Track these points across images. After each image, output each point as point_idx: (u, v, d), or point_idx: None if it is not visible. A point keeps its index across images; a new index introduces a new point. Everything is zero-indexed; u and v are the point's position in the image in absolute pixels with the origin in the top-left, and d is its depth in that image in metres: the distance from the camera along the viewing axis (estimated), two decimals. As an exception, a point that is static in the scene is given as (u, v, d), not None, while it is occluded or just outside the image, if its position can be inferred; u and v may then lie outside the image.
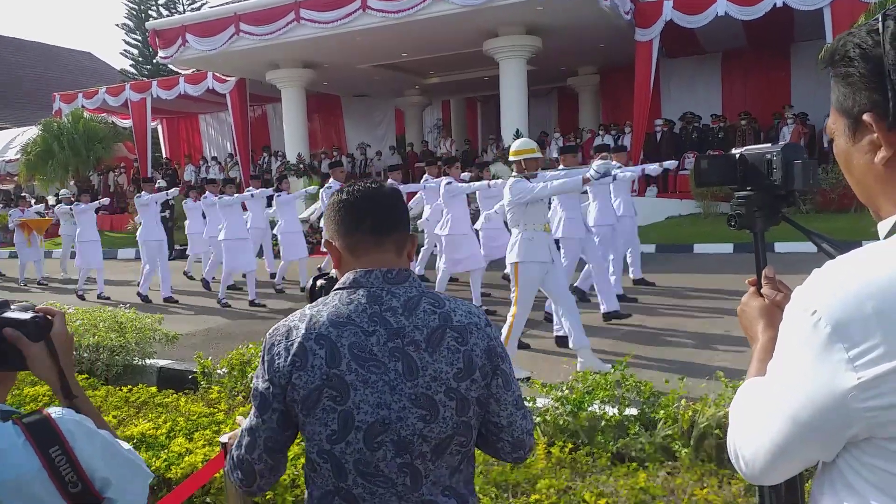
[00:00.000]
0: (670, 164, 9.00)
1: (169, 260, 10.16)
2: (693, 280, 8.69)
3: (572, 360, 5.24)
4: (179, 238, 13.52)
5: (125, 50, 33.52)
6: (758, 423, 0.92)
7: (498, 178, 9.47)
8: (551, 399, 3.42)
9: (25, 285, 12.25)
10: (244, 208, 9.86)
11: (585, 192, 7.20)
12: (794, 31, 15.04)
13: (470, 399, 1.37)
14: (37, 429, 1.06)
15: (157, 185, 11.65)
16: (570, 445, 3.16)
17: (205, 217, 10.63)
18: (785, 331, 0.89)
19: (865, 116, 0.89)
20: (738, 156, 1.33)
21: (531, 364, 5.34)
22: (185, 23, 16.18)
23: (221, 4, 16.25)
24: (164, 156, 24.26)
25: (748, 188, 1.32)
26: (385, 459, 1.32)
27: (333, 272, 1.53)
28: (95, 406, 3.72)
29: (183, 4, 32.49)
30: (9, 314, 1.19)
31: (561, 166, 6.82)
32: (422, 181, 9.20)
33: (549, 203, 6.10)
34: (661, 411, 3.21)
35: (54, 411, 1.10)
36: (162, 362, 5.48)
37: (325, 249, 1.51)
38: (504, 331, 5.07)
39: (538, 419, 3.33)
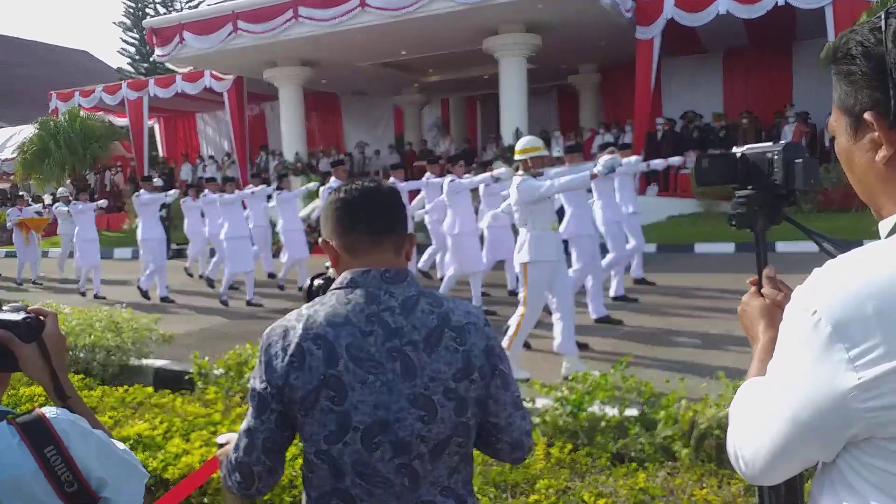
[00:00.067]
0: (676, 160, 8.99)
1: (167, 259, 10.16)
2: (694, 280, 8.70)
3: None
4: (176, 237, 13.52)
5: (122, 48, 33.59)
6: (758, 424, 0.92)
7: (503, 168, 9.44)
8: (551, 399, 3.42)
9: (22, 284, 12.24)
10: (244, 206, 9.86)
11: (590, 191, 7.20)
12: (795, 29, 15.04)
13: (468, 399, 1.36)
14: (31, 429, 1.06)
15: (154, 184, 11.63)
16: (569, 446, 3.16)
17: (203, 216, 10.62)
18: (785, 331, 0.89)
19: (867, 115, 0.89)
20: (738, 155, 1.33)
21: (531, 364, 5.32)
22: (182, 21, 16.18)
23: (219, 2, 16.23)
24: (160, 154, 24.24)
25: (749, 187, 1.32)
26: (383, 460, 1.31)
27: (331, 272, 1.52)
28: (91, 407, 3.69)
29: (180, 2, 32.51)
30: (0, 315, 1.18)
31: (566, 165, 6.83)
32: (423, 179, 9.18)
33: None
34: (662, 412, 3.20)
35: (48, 411, 1.09)
36: (158, 362, 5.47)
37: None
38: (511, 330, 5.00)
39: (538, 420, 3.33)
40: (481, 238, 7.99)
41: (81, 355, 5.11)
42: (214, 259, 10.32)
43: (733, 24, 13.92)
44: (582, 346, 5.46)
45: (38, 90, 29.62)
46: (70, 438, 1.07)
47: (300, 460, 1.48)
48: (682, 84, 17.74)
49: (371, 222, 1.41)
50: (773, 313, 1.16)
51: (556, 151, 13.99)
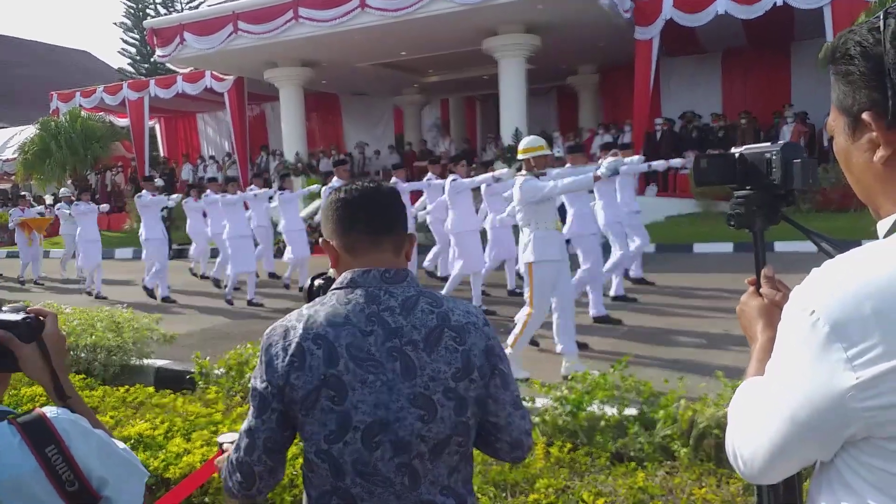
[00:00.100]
0: (677, 162, 8.96)
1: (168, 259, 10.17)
2: (693, 280, 8.70)
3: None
4: (177, 237, 13.52)
5: (123, 49, 33.55)
6: (756, 423, 0.92)
7: (504, 168, 9.43)
8: (550, 399, 3.42)
9: (24, 284, 12.25)
10: (246, 207, 9.87)
11: (591, 191, 7.20)
12: (794, 29, 15.03)
13: (468, 399, 1.36)
14: (32, 428, 1.06)
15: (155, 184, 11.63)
16: (569, 445, 3.16)
17: (205, 216, 10.63)
18: (783, 330, 0.89)
19: (865, 115, 0.89)
20: (737, 155, 1.33)
21: (531, 364, 5.32)
22: (182, 21, 16.17)
23: (219, 3, 16.24)
24: (161, 155, 24.24)
25: (747, 187, 1.32)
26: (383, 459, 1.31)
27: (331, 272, 1.52)
28: (92, 406, 3.70)
29: (181, 3, 32.48)
30: (0, 315, 1.19)
31: (568, 165, 6.83)
32: (425, 180, 9.19)
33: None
34: (661, 411, 3.20)
35: (49, 411, 1.09)
36: (159, 362, 5.47)
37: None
38: (517, 329, 4.99)
39: (537, 419, 3.33)
40: (483, 236, 8.01)
41: (83, 355, 5.11)
42: (219, 259, 10.33)
43: (732, 24, 13.92)
44: (582, 346, 5.45)
45: (39, 90, 29.62)
46: (71, 438, 1.07)
47: (300, 460, 1.48)
48: (681, 84, 17.74)
49: (370, 222, 1.42)
50: (772, 313, 1.16)
51: (557, 152, 13.98)
